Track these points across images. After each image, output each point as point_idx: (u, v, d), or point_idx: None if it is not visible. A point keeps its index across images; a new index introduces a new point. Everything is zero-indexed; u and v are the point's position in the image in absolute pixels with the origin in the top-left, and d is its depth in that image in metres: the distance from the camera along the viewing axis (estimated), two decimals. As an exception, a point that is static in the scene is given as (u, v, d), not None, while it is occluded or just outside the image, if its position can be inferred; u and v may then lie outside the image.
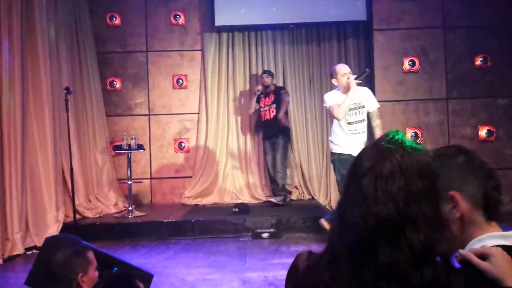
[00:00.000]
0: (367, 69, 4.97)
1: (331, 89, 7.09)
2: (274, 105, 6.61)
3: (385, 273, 0.93)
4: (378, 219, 0.93)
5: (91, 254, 2.25)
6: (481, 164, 1.24)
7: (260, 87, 6.73)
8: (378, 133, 4.63)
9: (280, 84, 7.32)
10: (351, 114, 4.66)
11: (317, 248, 1.10)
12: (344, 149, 4.61)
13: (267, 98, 6.73)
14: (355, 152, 4.48)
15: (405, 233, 0.93)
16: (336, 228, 1.02)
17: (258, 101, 6.82)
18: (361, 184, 0.97)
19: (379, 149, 1.00)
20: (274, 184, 6.72)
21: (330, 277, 0.99)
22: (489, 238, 1.14)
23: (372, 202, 0.94)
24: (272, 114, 6.61)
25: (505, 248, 1.10)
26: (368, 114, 4.75)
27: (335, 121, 4.70)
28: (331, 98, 4.71)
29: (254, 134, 7.34)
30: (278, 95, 6.61)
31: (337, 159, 4.67)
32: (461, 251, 1.09)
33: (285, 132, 6.70)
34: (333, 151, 4.74)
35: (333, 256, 1.00)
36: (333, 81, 4.78)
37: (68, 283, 2.12)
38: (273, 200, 6.54)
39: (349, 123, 4.66)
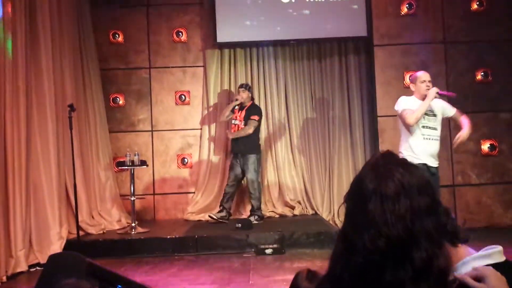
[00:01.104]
0: (455, 94, 4.84)
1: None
2: (243, 123, 6.52)
3: None
4: (389, 240, 0.93)
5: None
6: None
7: (239, 98, 6.61)
8: (464, 121, 4.60)
9: (282, 99, 7.37)
10: (425, 118, 4.53)
11: (319, 264, 1.09)
12: (418, 158, 4.44)
13: (240, 112, 6.64)
14: (429, 161, 4.45)
15: (410, 251, 0.93)
16: (339, 253, 1.02)
17: (233, 110, 6.73)
18: (367, 207, 0.96)
19: (380, 170, 1.00)
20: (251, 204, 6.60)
21: None
22: (473, 260, 1.15)
23: (381, 224, 0.94)
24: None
25: (492, 266, 1.11)
26: (453, 119, 4.73)
27: (406, 129, 4.59)
28: (406, 102, 4.58)
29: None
30: (248, 116, 6.50)
31: None
32: (457, 274, 1.09)
33: (254, 150, 6.54)
34: None
35: (336, 282, 1.00)
36: (411, 86, 4.71)
37: None
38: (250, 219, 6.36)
39: (424, 127, 4.54)
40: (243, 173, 6.59)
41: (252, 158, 6.47)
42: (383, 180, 0.97)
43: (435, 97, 4.52)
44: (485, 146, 6.79)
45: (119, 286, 2.52)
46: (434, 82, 6.82)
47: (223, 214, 6.55)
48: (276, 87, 7.39)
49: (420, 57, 6.93)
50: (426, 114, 4.53)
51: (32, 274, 4.81)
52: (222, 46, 7.38)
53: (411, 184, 0.97)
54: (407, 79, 6.88)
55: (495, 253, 1.17)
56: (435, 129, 4.58)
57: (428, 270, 0.94)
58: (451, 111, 4.70)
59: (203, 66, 7.44)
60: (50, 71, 5.66)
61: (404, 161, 1.03)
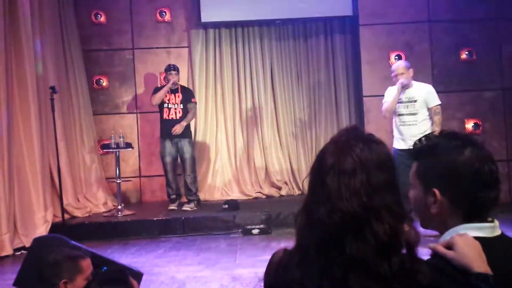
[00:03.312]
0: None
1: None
2: (182, 106, 6.31)
3: (352, 266, 0.95)
4: (344, 215, 0.96)
5: (85, 263, 2.14)
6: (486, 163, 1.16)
7: (175, 81, 6.31)
8: (434, 130, 4.82)
9: (268, 80, 7.33)
10: (401, 107, 5.00)
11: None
12: (406, 141, 4.87)
13: (173, 95, 6.32)
14: (406, 145, 4.73)
15: (370, 225, 0.95)
16: (303, 226, 1.04)
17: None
18: (325, 181, 0.99)
19: (340, 145, 1.03)
20: (187, 189, 6.37)
21: (301, 276, 1.01)
22: (463, 230, 1.15)
23: (336, 198, 0.97)
24: (179, 115, 6.27)
25: (480, 239, 1.11)
26: (429, 111, 4.99)
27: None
28: (387, 93, 5.17)
29: (243, 131, 7.34)
30: (187, 100, 6.33)
31: (395, 153, 4.85)
32: (430, 244, 1.12)
33: (190, 135, 6.45)
34: (393, 146, 5.03)
35: (303, 254, 1.02)
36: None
37: (51, 286, 2.06)
38: (186, 208, 6.18)
39: (399, 115, 5.02)
40: (181, 157, 6.35)
41: (191, 141, 6.39)
42: (342, 155, 1.00)
43: (404, 88, 4.98)
44: (469, 125, 6.85)
45: (105, 268, 2.52)
46: (419, 61, 6.88)
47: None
48: (261, 68, 7.34)
49: (405, 36, 6.92)
50: (402, 102, 4.99)
51: (17, 258, 4.78)
52: (207, 26, 7.29)
53: (369, 159, 0.99)
54: (392, 59, 6.89)
55: (486, 227, 1.17)
56: (413, 114, 4.95)
57: (396, 244, 0.96)
58: (431, 103, 5.00)
59: (187, 47, 7.35)
60: (31, 52, 5.55)
61: (368, 136, 1.05)
